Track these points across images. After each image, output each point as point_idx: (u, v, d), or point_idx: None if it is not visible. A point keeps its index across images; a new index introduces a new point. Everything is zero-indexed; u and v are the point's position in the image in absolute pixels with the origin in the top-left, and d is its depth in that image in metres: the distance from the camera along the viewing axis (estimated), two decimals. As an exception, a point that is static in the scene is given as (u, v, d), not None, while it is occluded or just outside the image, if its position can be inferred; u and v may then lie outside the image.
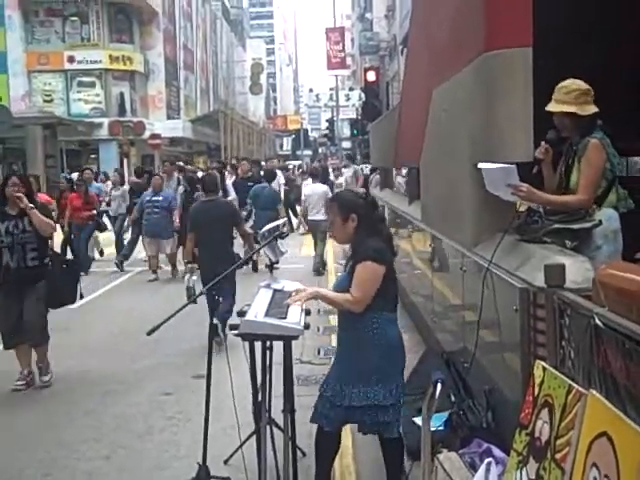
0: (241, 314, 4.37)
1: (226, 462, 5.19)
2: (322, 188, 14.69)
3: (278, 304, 4.45)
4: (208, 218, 8.53)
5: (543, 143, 4.65)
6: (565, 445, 2.89)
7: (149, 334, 4.41)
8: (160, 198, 13.65)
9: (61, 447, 5.82)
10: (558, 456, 2.92)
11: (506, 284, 4.21)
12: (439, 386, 3.09)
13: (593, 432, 2.66)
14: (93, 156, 40.38)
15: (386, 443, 4.51)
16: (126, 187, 16.88)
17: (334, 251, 15.71)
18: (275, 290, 4.75)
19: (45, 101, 40.96)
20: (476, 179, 4.86)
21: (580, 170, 4.49)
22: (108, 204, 16.72)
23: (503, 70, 4.75)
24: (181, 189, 15.43)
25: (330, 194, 16.10)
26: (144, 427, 6.20)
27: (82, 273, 11.28)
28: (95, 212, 14.85)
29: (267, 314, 4.26)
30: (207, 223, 8.48)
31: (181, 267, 12.03)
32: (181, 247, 12.11)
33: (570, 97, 4.46)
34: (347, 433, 4.98)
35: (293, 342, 4.44)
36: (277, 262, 5.12)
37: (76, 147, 39.94)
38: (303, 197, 15.12)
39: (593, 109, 4.46)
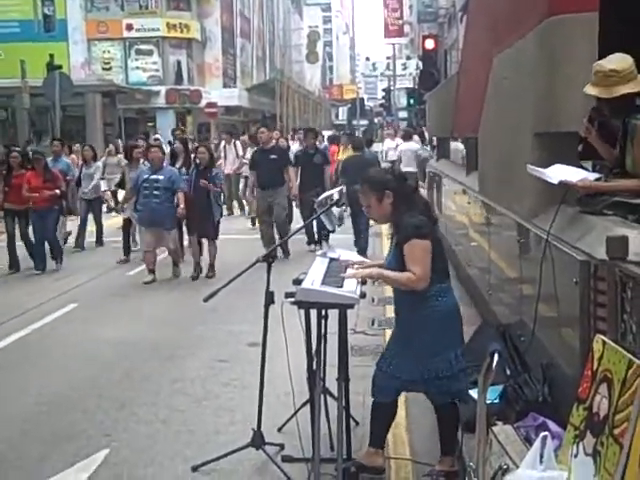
0: (297, 282, 4.39)
1: (280, 429, 5.23)
2: (415, 146, 18.50)
3: (334, 273, 4.47)
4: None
5: (585, 121, 4.54)
6: (624, 420, 2.84)
7: (206, 300, 4.47)
8: (161, 177, 10.67)
9: (121, 409, 5.95)
10: (616, 431, 2.87)
11: (566, 256, 4.12)
12: (496, 357, 3.05)
13: (654, 407, 2.61)
14: (150, 124, 40.75)
15: (441, 412, 4.52)
16: (101, 163, 14.69)
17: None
18: (331, 259, 4.77)
19: (104, 69, 41.39)
20: (537, 148, 4.78)
21: (633, 153, 4.34)
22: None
23: (567, 36, 4.64)
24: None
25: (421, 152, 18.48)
26: (201, 392, 6.29)
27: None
28: (59, 192, 11.93)
29: (323, 282, 4.28)
30: None
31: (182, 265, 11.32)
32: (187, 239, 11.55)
33: (597, 79, 4.30)
34: (401, 404, 4.97)
35: (348, 312, 4.45)
36: (333, 231, 5.13)
37: (134, 115, 40.34)
38: (398, 152, 18.85)
39: (621, 90, 4.23)
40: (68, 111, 27.01)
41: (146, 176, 10.74)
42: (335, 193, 5.04)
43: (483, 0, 7.60)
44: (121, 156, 15.00)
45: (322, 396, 4.81)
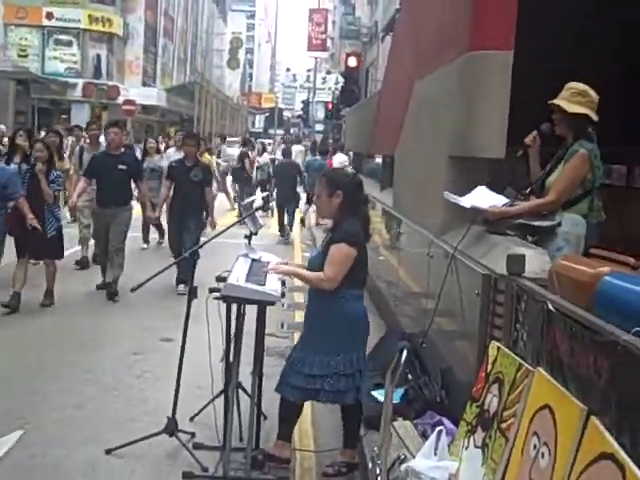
0: (220, 279, 4.66)
1: (192, 419, 5.44)
2: (343, 157, 17.97)
3: (256, 273, 4.77)
4: None
5: (535, 131, 4.94)
6: (511, 416, 3.22)
7: (132, 291, 4.69)
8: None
9: (34, 394, 6.04)
10: (504, 425, 3.25)
11: (470, 270, 4.53)
12: (405, 352, 3.38)
13: (537, 404, 2.99)
14: (64, 116, 40.03)
15: (346, 409, 4.83)
16: None
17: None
18: (253, 260, 5.05)
19: (20, 56, 40.58)
20: (451, 170, 5.19)
21: (559, 174, 4.70)
22: None
23: (483, 70, 5.06)
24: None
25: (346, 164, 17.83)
26: (113, 382, 6.41)
27: None
28: None
29: (247, 280, 4.58)
30: None
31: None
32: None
33: (566, 93, 4.66)
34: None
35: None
36: (256, 233, 5.42)
37: (48, 106, 39.59)
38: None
39: (580, 109, 4.59)
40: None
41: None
42: (258, 198, 5.33)
43: (409, 25, 8.00)
44: None
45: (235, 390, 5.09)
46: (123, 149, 10.10)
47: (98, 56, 42.87)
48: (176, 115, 55.01)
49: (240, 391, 5.20)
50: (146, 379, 6.51)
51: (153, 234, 13.64)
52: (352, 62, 24.54)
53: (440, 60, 5.89)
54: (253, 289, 4.47)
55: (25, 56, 40.75)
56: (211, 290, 4.57)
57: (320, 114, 54.22)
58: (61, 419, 5.58)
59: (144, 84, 47.52)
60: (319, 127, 56.43)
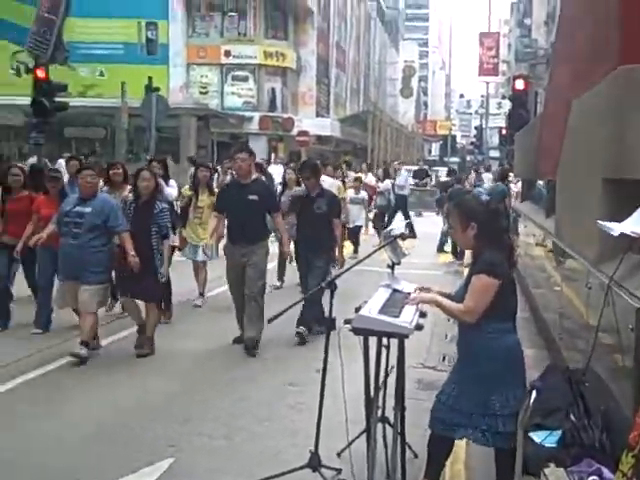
0: (357, 310, 4.52)
1: (339, 454, 5.30)
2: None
3: (394, 303, 4.60)
4: None
5: None
6: (669, 469, 2.86)
7: (270, 322, 4.65)
8: (87, 210, 7.77)
9: (186, 423, 6.16)
10: (661, 479, 2.90)
11: (624, 303, 4.15)
12: (534, 394, 3.10)
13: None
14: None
15: (499, 453, 4.53)
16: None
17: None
18: (394, 290, 4.88)
19: (201, 93, 42.46)
20: (606, 194, 4.81)
21: None
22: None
23: (636, 85, 4.67)
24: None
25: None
26: (266, 413, 6.43)
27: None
28: None
29: (381, 311, 4.41)
30: None
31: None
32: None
33: None
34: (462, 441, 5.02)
35: (419, 347, 4.55)
36: (399, 263, 5.22)
37: (227, 140, 41.18)
38: None
39: None
40: (164, 132, 27.75)
41: (69, 207, 7.91)
42: (401, 225, 5.15)
43: (566, 45, 7.65)
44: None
45: (382, 425, 4.90)
46: (254, 177, 8.93)
47: (273, 89, 44.21)
48: (350, 145, 55.79)
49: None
50: (299, 410, 6.47)
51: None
52: (519, 85, 23.94)
53: (592, 77, 5.55)
54: (382, 320, 4.30)
55: (206, 93, 42.64)
56: (346, 322, 4.45)
57: (495, 140, 53.33)
58: (211, 449, 5.64)
59: (318, 115, 48.45)
60: (494, 153, 55.48)
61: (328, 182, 12.47)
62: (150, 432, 5.93)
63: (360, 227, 16.64)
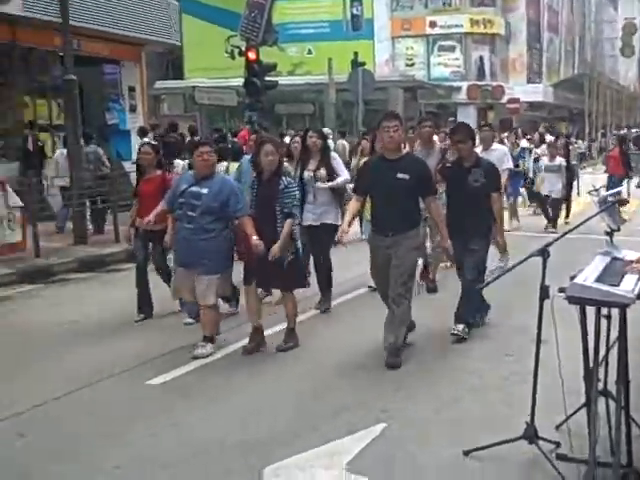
0: (572, 278, 4.19)
1: (558, 428, 4.98)
2: None
3: (614, 272, 4.26)
4: None
5: None
6: None
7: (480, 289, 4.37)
8: (204, 190, 6.89)
9: (400, 390, 6.13)
10: None
11: None
12: None
13: None
14: (451, 119, 40.93)
15: None
16: None
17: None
18: (614, 258, 4.52)
19: (407, 65, 42.58)
20: None
21: None
22: None
23: None
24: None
25: None
26: (479, 383, 6.24)
27: None
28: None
29: (598, 280, 4.09)
30: None
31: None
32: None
33: None
34: None
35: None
36: (618, 229, 4.75)
37: (434, 110, 40.80)
38: None
39: None
40: (371, 104, 27.87)
41: (184, 187, 7.04)
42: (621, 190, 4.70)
43: None
44: None
45: (604, 399, 4.49)
46: (405, 151, 7.46)
47: (481, 58, 43.44)
48: (564, 110, 53.59)
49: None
50: (513, 382, 6.16)
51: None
52: None
53: None
54: (599, 289, 3.95)
55: (412, 65, 42.64)
56: (560, 290, 4.12)
57: None
58: (424, 417, 5.54)
59: (529, 81, 46.97)
60: None
61: (499, 150, 11.32)
62: (363, 397, 5.92)
63: (559, 200, 15.35)
